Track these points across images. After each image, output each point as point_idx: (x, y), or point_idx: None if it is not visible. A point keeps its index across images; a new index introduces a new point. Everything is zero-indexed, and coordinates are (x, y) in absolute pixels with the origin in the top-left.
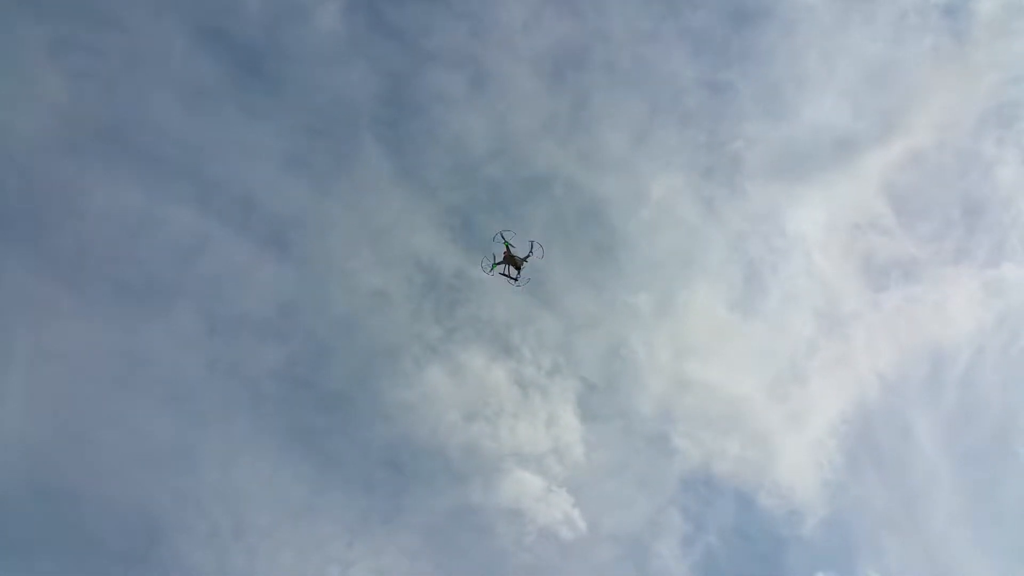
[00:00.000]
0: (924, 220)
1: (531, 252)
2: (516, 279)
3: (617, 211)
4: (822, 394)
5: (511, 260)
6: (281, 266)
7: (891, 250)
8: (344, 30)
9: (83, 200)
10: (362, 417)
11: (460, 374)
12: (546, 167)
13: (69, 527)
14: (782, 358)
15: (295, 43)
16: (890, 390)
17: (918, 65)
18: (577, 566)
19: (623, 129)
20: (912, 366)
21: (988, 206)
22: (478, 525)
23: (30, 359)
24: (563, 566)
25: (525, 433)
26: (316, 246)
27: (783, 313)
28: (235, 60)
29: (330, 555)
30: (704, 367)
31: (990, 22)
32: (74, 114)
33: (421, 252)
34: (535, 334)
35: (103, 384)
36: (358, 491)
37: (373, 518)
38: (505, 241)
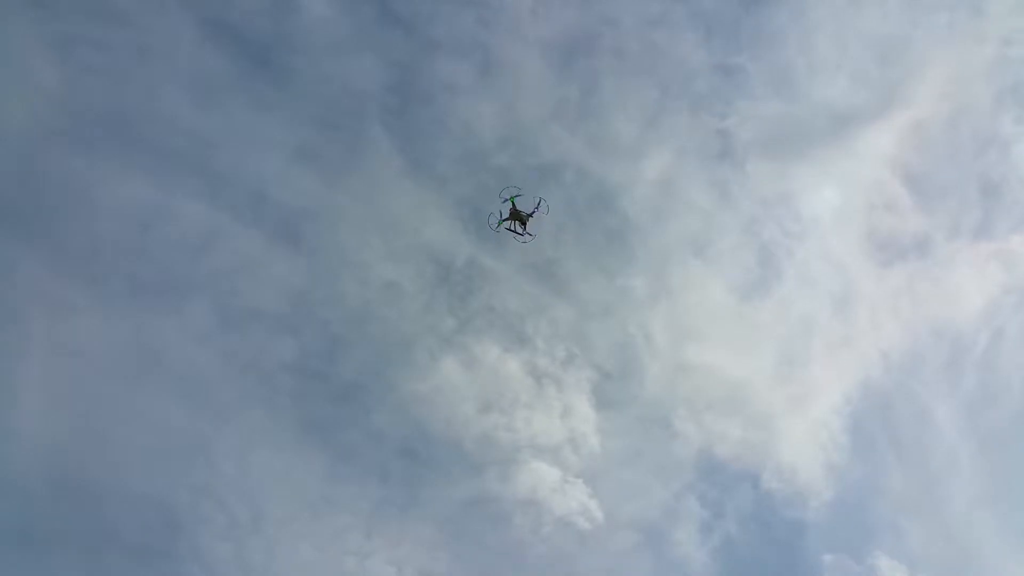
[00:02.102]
0: (940, 200)
1: (536, 208)
2: (523, 234)
3: (628, 197)
4: (837, 374)
5: (517, 216)
6: (293, 259)
7: (905, 229)
8: (351, 21)
9: (94, 195)
10: (377, 409)
11: (474, 365)
12: (556, 154)
13: (88, 521)
14: (796, 340)
15: (302, 35)
16: (905, 370)
17: (933, 43)
18: (595, 556)
19: (633, 115)
20: (926, 345)
21: (1006, 185)
22: (495, 516)
23: (45, 355)
24: (581, 556)
25: (540, 424)
26: (328, 238)
27: (798, 295)
28: (243, 53)
29: (347, 546)
30: (718, 351)
31: None
32: (83, 110)
33: (433, 242)
34: (548, 323)
35: (118, 379)
36: (374, 483)
37: (390, 509)
38: (511, 198)
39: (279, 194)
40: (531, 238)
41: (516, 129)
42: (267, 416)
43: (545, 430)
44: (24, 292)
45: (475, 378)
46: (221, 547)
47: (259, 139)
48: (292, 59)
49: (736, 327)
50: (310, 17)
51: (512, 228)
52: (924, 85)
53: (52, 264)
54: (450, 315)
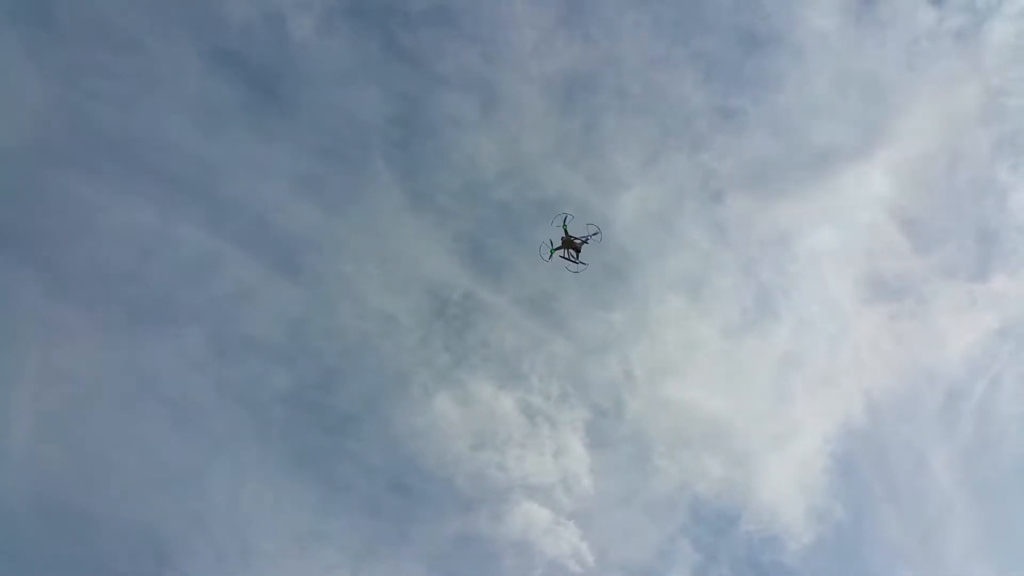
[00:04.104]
0: (937, 244)
1: (589, 235)
2: (576, 262)
3: (625, 233)
4: (825, 416)
5: (570, 244)
6: (291, 288)
7: (900, 272)
8: (357, 53)
9: (95, 220)
10: (370, 443)
11: (468, 402)
12: (556, 190)
13: (76, 548)
14: (787, 380)
15: (308, 66)
16: (896, 414)
17: (930, 90)
18: None
19: (633, 152)
20: (919, 389)
21: (1004, 231)
22: (485, 556)
23: (39, 379)
24: None
25: (533, 464)
26: (327, 269)
27: (792, 335)
28: (248, 82)
29: None
30: (720, 393)
31: (1004, 48)
32: (87, 135)
33: (431, 276)
34: (544, 360)
35: (112, 405)
36: (364, 518)
37: (379, 546)
38: (564, 225)
39: (280, 223)
40: (584, 267)
41: (517, 164)
42: (260, 446)
43: (538, 470)
44: (21, 315)
45: (469, 415)
46: None
47: (262, 168)
48: (297, 90)
49: (732, 366)
50: (316, 48)
51: (566, 256)
52: (921, 131)
53: (50, 288)
54: (446, 350)
